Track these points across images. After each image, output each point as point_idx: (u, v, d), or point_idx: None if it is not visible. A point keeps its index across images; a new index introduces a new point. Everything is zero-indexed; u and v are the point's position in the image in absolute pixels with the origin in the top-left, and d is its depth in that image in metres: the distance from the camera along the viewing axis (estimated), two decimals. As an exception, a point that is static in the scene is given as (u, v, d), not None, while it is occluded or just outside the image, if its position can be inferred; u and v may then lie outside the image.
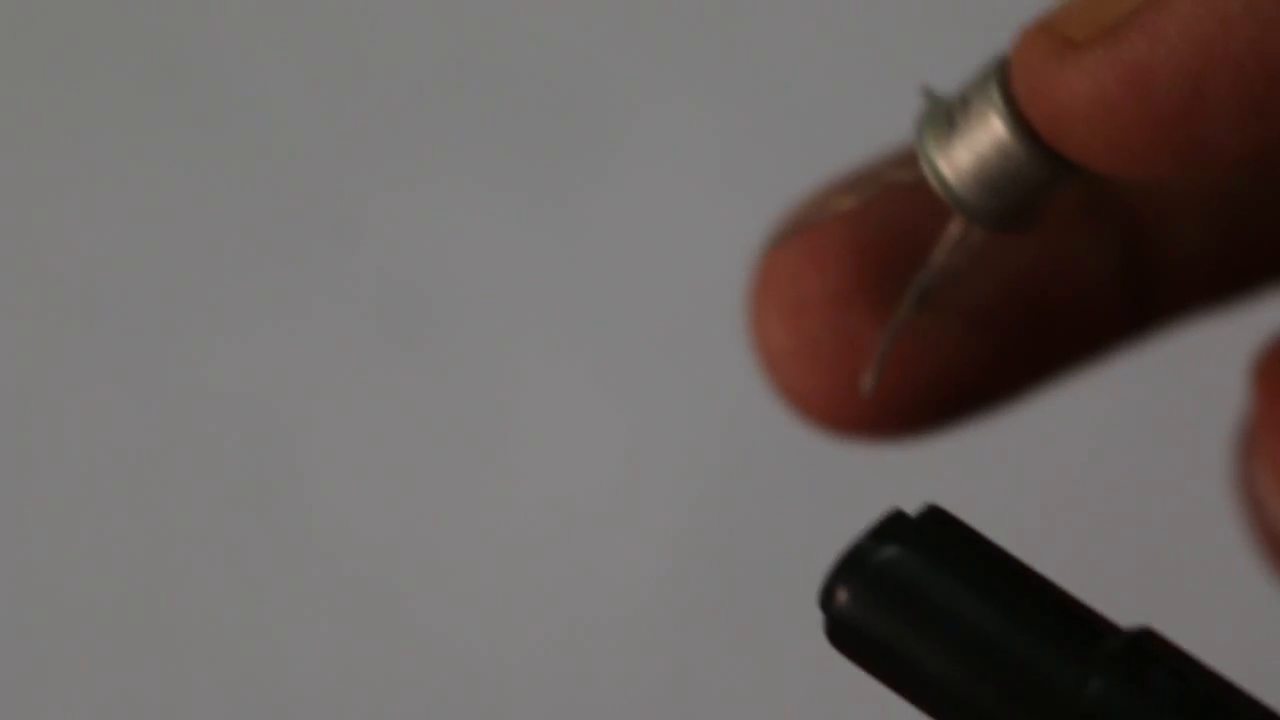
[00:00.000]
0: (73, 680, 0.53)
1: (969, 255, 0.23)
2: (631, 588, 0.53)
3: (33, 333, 0.54)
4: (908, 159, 0.24)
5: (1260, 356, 0.25)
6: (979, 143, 0.22)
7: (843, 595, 0.19)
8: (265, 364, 0.54)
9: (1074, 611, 0.19)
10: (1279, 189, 0.26)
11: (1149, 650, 0.19)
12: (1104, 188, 0.26)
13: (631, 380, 0.53)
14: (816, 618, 0.51)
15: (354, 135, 0.55)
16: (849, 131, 0.54)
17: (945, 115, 0.22)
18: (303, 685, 0.53)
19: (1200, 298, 0.27)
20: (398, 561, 0.53)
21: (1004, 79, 0.21)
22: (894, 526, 0.20)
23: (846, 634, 0.19)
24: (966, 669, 0.19)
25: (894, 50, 0.54)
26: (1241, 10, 0.19)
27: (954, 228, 0.23)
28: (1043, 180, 0.22)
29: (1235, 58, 0.19)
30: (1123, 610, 0.22)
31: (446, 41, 0.55)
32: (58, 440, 0.54)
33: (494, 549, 0.53)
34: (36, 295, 0.54)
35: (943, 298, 0.24)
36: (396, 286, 0.54)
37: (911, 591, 0.19)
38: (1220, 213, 0.26)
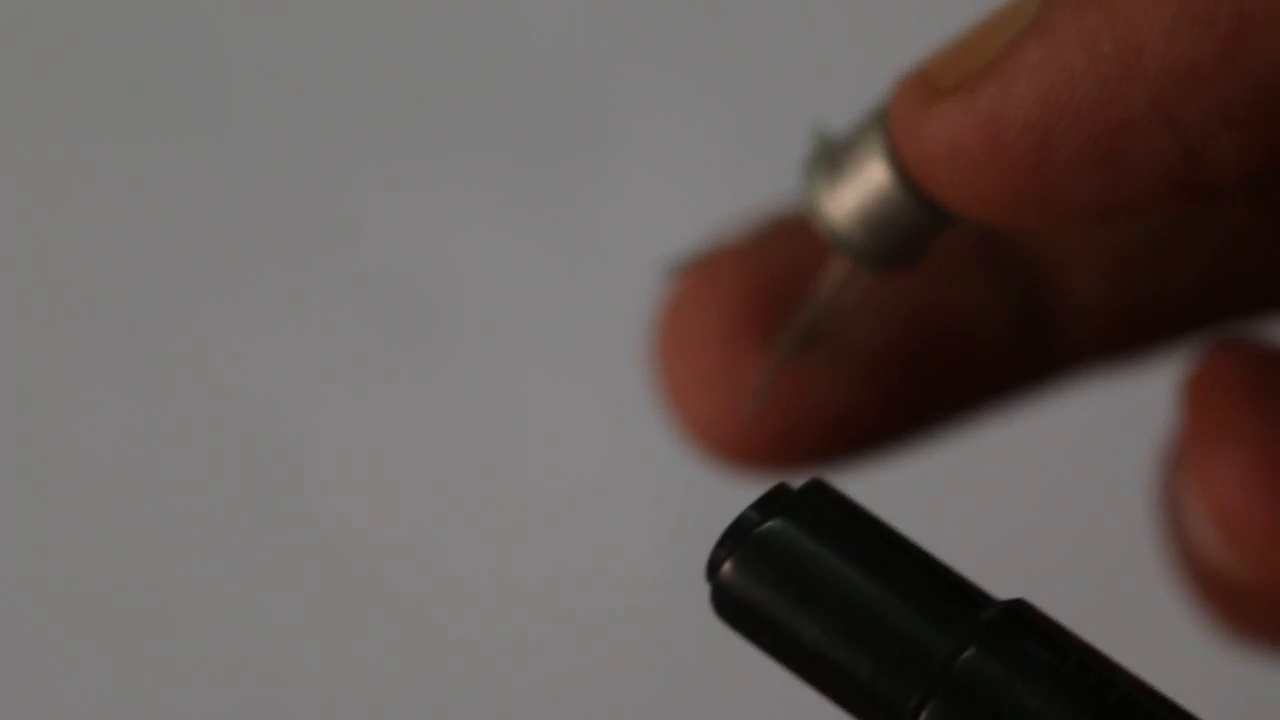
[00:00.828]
0: (76, 677, 0.53)
1: (853, 292, 0.24)
2: (628, 582, 0.53)
3: (35, 334, 0.54)
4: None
5: (1189, 374, 0.25)
6: (860, 185, 0.22)
7: (725, 565, 0.20)
8: (267, 364, 0.54)
9: (950, 582, 0.20)
10: (1174, 244, 0.26)
11: (1022, 621, 0.20)
12: (998, 236, 0.26)
13: (630, 379, 0.53)
14: None
15: (356, 138, 0.55)
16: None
17: (831, 157, 0.23)
18: (304, 679, 0.53)
19: (1098, 351, 0.27)
20: (399, 558, 0.53)
21: (884, 125, 0.22)
22: (776, 498, 0.20)
23: (729, 603, 0.20)
24: (842, 638, 0.19)
25: (895, 56, 0.54)
26: (1085, 65, 0.19)
27: (836, 266, 0.23)
28: (921, 223, 0.22)
29: (1078, 110, 0.20)
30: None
31: (448, 45, 0.56)
32: (61, 440, 0.54)
33: (493, 546, 0.53)
34: (38, 297, 0.55)
35: (833, 337, 0.25)
36: (397, 288, 0.54)
37: (790, 561, 0.20)
38: (1117, 265, 0.26)
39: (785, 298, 0.25)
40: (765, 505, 0.20)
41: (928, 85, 0.21)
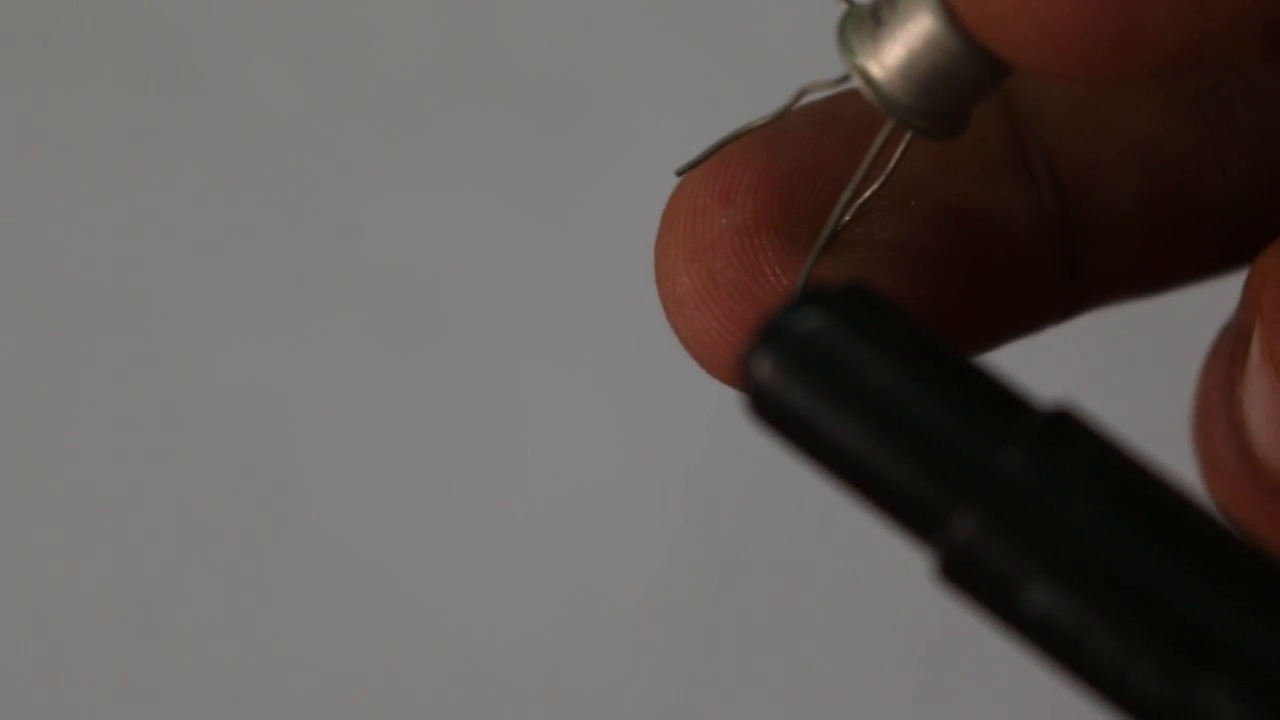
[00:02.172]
0: (76, 673, 0.53)
1: (898, 162, 0.22)
2: (629, 581, 0.53)
3: (38, 334, 0.54)
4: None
5: (1260, 258, 0.23)
6: (908, 37, 0.21)
7: (764, 365, 0.19)
8: (270, 364, 0.54)
9: (997, 389, 0.19)
10: (1210, 160, 0.25)
11: (1071, 428, 0.19)
12: (1027, 135, 0.25)
13: (630, 379, 0.52)
14: (812, 614, 0.51)
15: (360, 139, 0.55)
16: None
17: (871, 14, 0.21)
18: (306, 677, 0.53)
19: (1132, 270, 0.25)
20: (401, 557, 0.54)
21: None
22: (815, 299, 0.19)
23: (767, 404, 0.19)
24: (885, 440, 0.19)
25: None
26: None
27: (882, 132, 0.22)
28: (974, 75, 0.21)
29: None
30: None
31: (451, 48, 0.55)
32: (63, 439, 0.54)
33: (494, 544, 0.53)
34: (41, 296, 0.55)
35: (861, 233, 0.23)
36: (400, 289, 0.54)
37: (833, 362, 0.19)
38: (1150, 176, 0.25)
39: (805, 194, 0.23)
40: (805, 304, 0.19)
41: None
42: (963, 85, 0.21)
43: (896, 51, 0.21)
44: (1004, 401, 0.19)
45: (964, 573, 0.19)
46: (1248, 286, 0.23)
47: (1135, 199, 0.25)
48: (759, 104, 0.56)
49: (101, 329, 0.54)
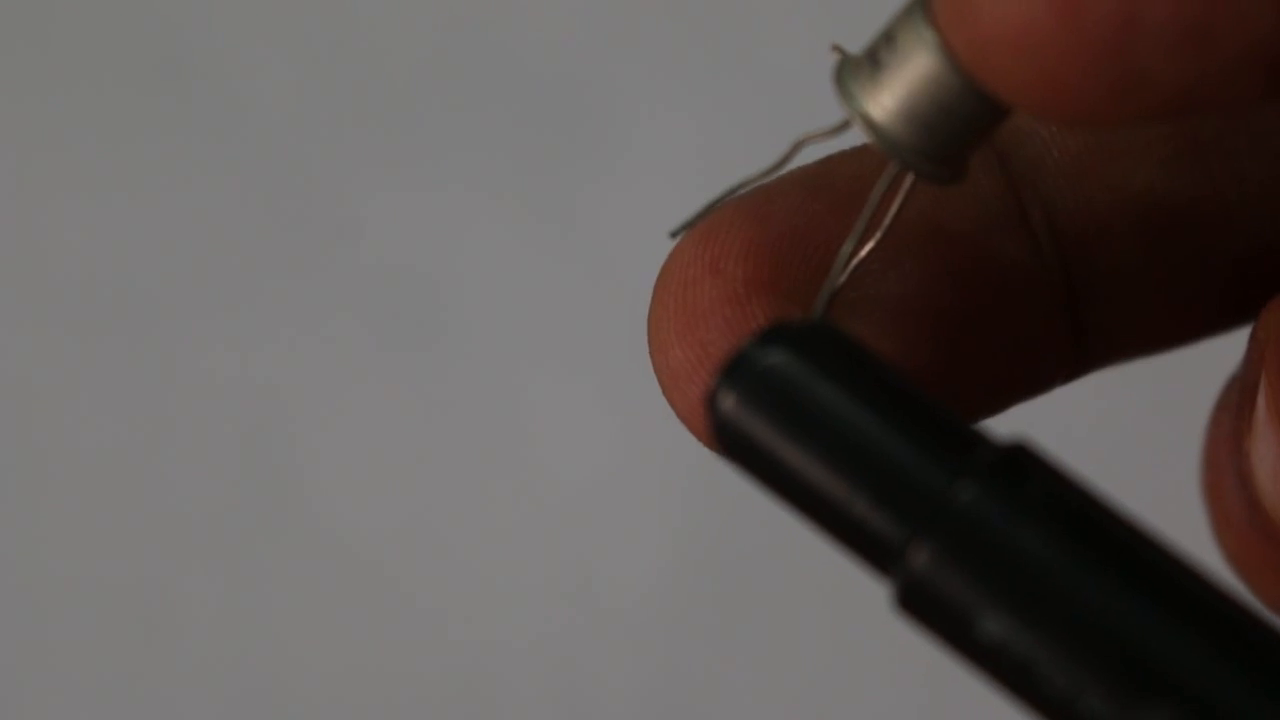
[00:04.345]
0: (75, 672, 0.53)
1: (900, 209, 0.22)
2: (629, 581, 0.53)
3: (38, 334, 0.54)
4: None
5: (1266, 311, 0.23)
6: (908, 78, 0.21)
7: (727, 400, 0.20)
8: (270, 364, 0.54)
9: (955, 424, 0.20)
10: (1220, 218, 0.24)
11: (1026, 462, 0.19)
12: (1031, 190, 0.24)
13: (630, 378, 0.52)
14: (812, 613, 0.51)
15: (359, 139, 0.55)
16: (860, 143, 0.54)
17: (868, 59, 0.21)
18: (304, 676, 0.53)
19: (1138, 324, 0.25)
20: (401, 557, 0.54)
21: (928, 8, 0.20)
22: (780, 333, 0.20)
23: (730, 437, 0.20)
24: (844, 473, 0.19)
25: None
26: None
27: (884, 176, 0.22)
28: (976, 114, 0.21)
29: None
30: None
31: (451, 48, 0.55)
32: (62, 438, 0.54)
33: (494, 544, 0.53)
34: (41, 295, 0.54)
35: (861, 292, 0.23)
36: (399, 288, 0.54)
37: (793, 396, 0.20)
38: (1157, 231, 0.24)
39: (797, 259, 0.22)
40: (768, 340, 0.20)
41: None
42: (965, 125, 0.21)
43: (897, 93, 0.21)
44: (961, 436, 0.20)
45: (920, 603, 0.19)
46: (1253, 340, 0.23)
47: (1139, 254, 0.24)
48: (759, 104, 0.56)
49: (101, 328, 0.54)
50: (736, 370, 0.20)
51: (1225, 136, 0.24)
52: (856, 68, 0.21)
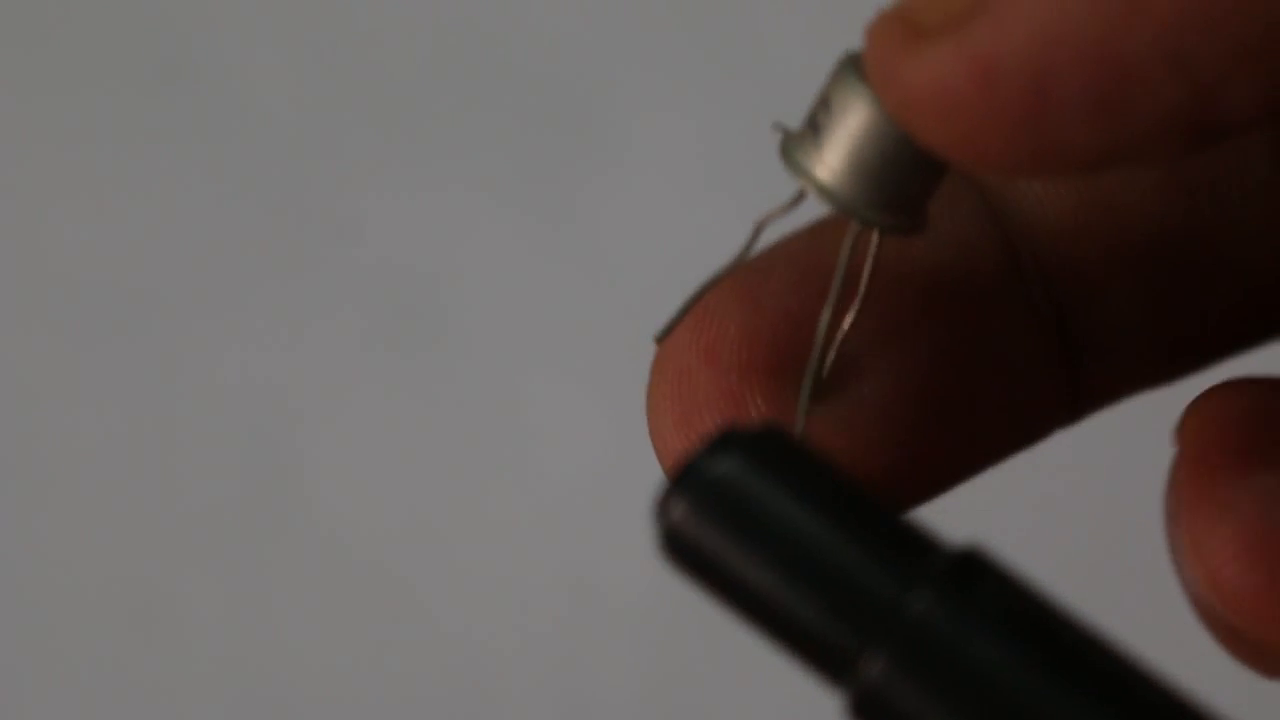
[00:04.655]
0: (76, 672, 0.53)
1: (869, 268, 0.22)
2: (629, 581, 0.53)
3: (37, 334, 0.54)
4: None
5: (1180, 422, 0.22)
6: (849, 133, 0.21)
7: (678, 508, 0.20)
8: (271, 364, 0.54)
9: (904, 530, 0.20)
10: (1218, 266, 0.25)
11: (977, 568, 0.19)
12: (1023, 252, 0.24)
13: (630, 378, 0.52)
14: None
15: (360, 139, 0.55)
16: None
17: (809, 127, 0.21)
18: (305, 675, 0.53)
19: (1139, 376, 0.25)
20: (401, 556, 0.54)
21: (860, 69, 0.21)
22: (729, 442, 0.20)
23: (679, 547, 0.20)
24: (795, 584, 0.19)
25: None
26: (1086, 4, 0.18)
27: (847, 236, 0.22)
28: (919, 161, 0.21)
29: (1079, 52, 0.18)
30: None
31: (451, 48, 0.55)
32: (65, 439, 0.54)
33: (494, 544, 0.53)
34: (44, 296, 0.55)
35: (845, 385, 0.23)
36: (399, 289, 0.54)
37: (744, 506, 0.19)
38: (1157, 288, 0.24)
39: (793, 341, 0.23)
40: (716, 450, 0.20)
41: (908, 25, 0.19)
42: (912, 172, 0.21)
43: (840, 151, 0.21)
44: (913, 543, 0.19)
45: (872, 713, 0.19)
46: (1174, 449, 0.23)
47: (1136, 304, 0.24)
48: (759, 105, 0.56)
49: (102, 329, 0.54)
50: (687, 479, 0.20)
51: (1217, 184, 0.24)
52: (800, 139, 0.21)
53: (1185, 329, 0.25)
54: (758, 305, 0.23)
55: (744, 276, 0.23)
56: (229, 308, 0.54)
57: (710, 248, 0.55)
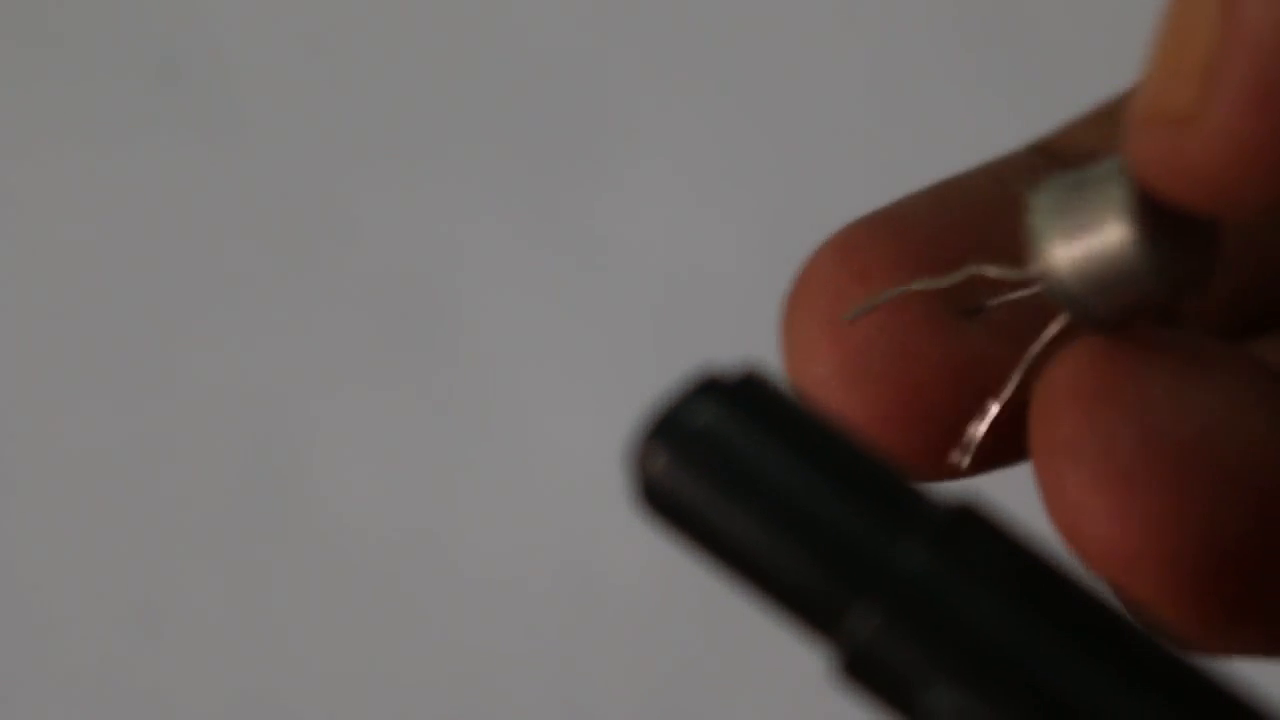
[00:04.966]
0: (76, 671, 0.53)
1: (1041, 353, 0.22)
2: (628, 580, 0.53)
3: (37, 334, 0.55)
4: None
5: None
6: (1093, 241, 0.20)
7: (658, 461, 0.19)
8: (270, 364, 0.54)
9: (898, 483, 0.19)
10: None
11: (973, 521, 0.19)
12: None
13: (630, 378, 0.53)
14: None
15: (361, 139, 0.55)
16: (859, 145, 0.54)
17: (1062, 204, 0.21)
18: (305, 675, 0.53)
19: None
20: (400, 556, 0.54)
21: (1124, 174, 0.20)
22: (712, 389, 0.19)
23: (660, 499, 0.19)
24: (781, 534, 0.18)
25: (898, 65, 0.54)
26: None
27: (1054, 324, 0.22)
28: (1154, 289, 0.20)
29: None
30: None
31: (451, 49, 0.56)
32: (64, 440, 0.54)
33: (494, 542, 0.54)
34: (43, 296, 0.55)
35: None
36: (399, 289, 0.55)
37: (728, 456, 0.18)
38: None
39: (951, 261, 0.22)
40: (700, 396, 0.19)
41: (1165, 117, 0.19)
42: (1142, 294, 0.21)
43: (1080, 250, 0.21)
44: (906, 496, 0.19)
45: (866, 671, 0.18)
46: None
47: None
48: (760, 108, 0.56)
49: (101, 329, 0.54)
50: (667, 428, 0.19)
51: None
52: (1051, 210, 0.21)
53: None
54: (901, 235, 0.23)
55: (884, 213, 0.23)
56: (229, 308, 0.54)
57: (710, 249, 0.55)
